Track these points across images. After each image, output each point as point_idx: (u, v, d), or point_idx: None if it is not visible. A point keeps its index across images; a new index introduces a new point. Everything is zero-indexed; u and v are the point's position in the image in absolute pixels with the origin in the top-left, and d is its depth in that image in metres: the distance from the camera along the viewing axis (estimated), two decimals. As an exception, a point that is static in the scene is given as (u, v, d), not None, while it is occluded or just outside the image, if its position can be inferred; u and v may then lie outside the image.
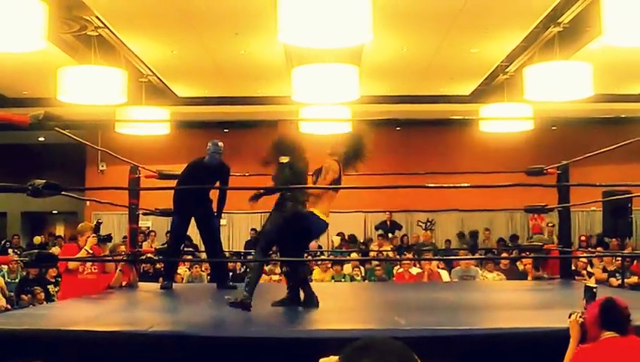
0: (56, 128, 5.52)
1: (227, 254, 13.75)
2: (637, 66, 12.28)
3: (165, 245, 11.54)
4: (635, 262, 12.23)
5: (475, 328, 4.69)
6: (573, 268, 9.64)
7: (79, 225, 7.73)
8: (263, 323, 5.30)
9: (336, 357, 1.86)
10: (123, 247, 8.21)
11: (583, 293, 4.15)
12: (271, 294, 6.67)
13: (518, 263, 12.29)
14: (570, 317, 4.03)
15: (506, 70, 13.39)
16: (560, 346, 3.96)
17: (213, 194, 7.60)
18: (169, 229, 9.92)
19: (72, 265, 7.05)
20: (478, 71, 13.53)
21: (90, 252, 7.09)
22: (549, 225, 15.27)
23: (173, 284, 8.06)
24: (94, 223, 7.62)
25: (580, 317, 3.97)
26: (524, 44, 11.72)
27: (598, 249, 14.09)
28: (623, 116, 14.79)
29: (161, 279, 8.54)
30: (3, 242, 17.73)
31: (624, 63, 12.03)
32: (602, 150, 6.85)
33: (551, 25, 10.66)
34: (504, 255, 14.44)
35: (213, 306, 6.65)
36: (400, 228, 17.10)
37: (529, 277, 10.87)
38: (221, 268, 8.13)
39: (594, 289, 4.16)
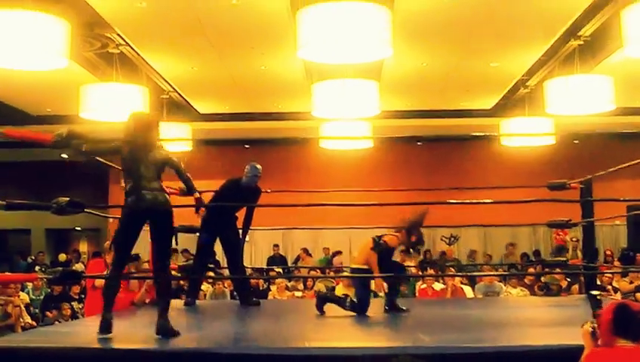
0: (76, 148, 5.54)
1: (249, 270, 13.76)
2: (659, 79, 12.18)
3: (189, 262, 11.57)
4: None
5: (500, 345, 4.65)
6: (598, 283, 9.56)
7: (107, 243, 7.73)
8: (287, 339, 5.29)
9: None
10: (146, 264, 8.22)
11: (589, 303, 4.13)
12: (296, 310, 6.67)
13: (542, 279, 12.19)
14: (582, 327, 4.00)
15: (527, 84, 13.34)
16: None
17: (239, 213, 7.67)
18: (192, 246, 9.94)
19: (98, 282, 7.06)
20: (499, 85, 13.49)
21: None
22: (573, 239, 15.15)
23: (197, 301, 8.07)
24: None
25: (591, 325, 3.94)
26: (545, 58, 11.67)
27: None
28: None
29: (184, 296, 8.55)
30: (29, 259, 17.88)
31: (646, 76, 11.94)
32: (626, 164, 6.79)
33: (571, 38, 10.61)
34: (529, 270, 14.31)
35: (236, 323, 6.65)
36: (423, 243, 16.97)
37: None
38: (244, 285, 8.14)
39: (598, 297, 4.14)
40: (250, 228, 7.71)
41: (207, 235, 7.65)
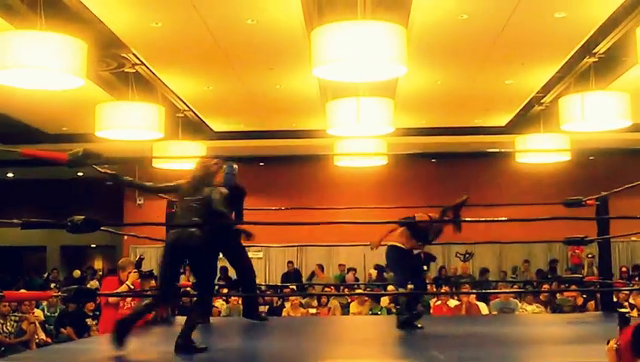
0: (94, 165, 5.60)
1: (264, 287, 13.74)
2: (676, 95, 12.11)
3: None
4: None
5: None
6: (614, 300, 9.49)
7: (121, 260, 7.75)
8: (302, 357, 5.28)
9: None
10: (153, 282, 8.21)
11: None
12: (310, 327, 6.65)
13: (558, 295, 12.12)
14: (607, 343, 3.98)
15: (542, 101, 13.30)
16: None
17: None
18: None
19: (112, 299, 7.09)
20: (514, 102, 13.47)
21: (132, 287, 7.12)
22: (589, 256, 15.08)
23: (210, 318, 8.06)
24: (137, 258, 7.66)
25: (616, 343, 3.91)
26: (560, 75, 11.65)
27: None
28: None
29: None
30: (45, 275, 17.96)
31: (662, 92, 11.88)
32: (642, 181, 6.76)
33: (586, 55, 10.59)
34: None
35: (249, 340, 6.64)
36: (434, 259, 16.89)
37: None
38: (250, 299, 8.04)
39: (626, 315, 4.12)
40: (266, 245, 7.65)
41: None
